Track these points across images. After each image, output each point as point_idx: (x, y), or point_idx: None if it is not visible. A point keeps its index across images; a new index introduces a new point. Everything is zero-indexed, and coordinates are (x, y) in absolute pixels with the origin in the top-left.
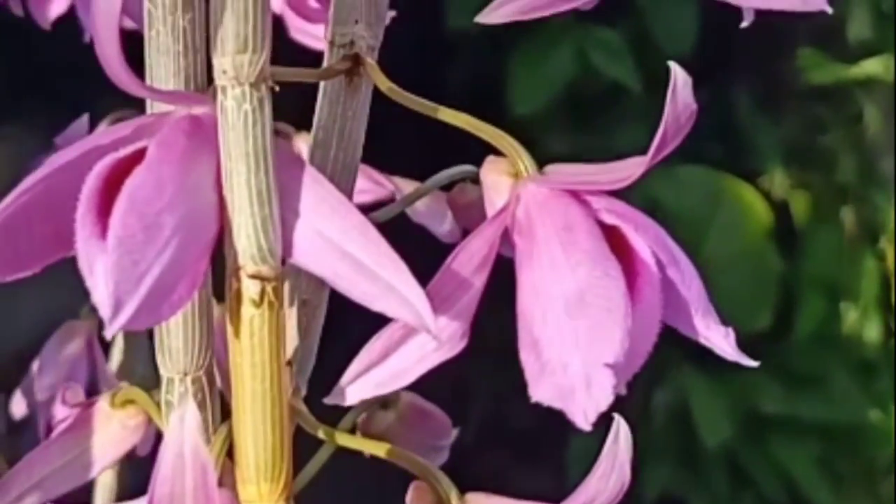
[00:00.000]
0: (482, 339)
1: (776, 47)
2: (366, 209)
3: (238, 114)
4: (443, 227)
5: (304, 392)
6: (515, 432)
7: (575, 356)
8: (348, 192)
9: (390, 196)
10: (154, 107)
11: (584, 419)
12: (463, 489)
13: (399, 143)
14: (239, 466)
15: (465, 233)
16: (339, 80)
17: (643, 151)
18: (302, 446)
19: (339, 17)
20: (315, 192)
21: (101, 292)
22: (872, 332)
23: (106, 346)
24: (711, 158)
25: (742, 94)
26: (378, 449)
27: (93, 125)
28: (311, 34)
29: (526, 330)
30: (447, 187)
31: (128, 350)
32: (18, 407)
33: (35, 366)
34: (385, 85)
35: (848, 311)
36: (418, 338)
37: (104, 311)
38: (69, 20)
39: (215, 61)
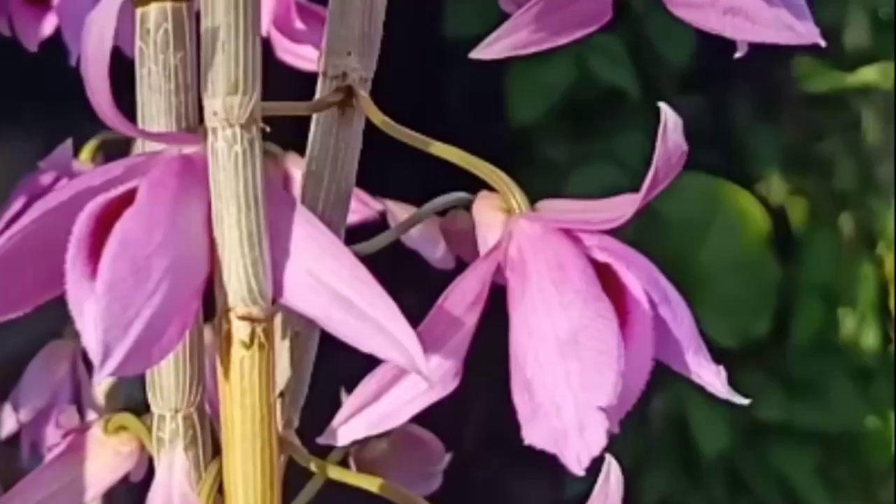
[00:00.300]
0: (481, 346)
1: (774, 54)
2: (353, 229)
3: (228, 155)
4: (435, 253)
5: (296, 424)
6: (513, 440)
7: (568, 399)
8: (341, 224)
9: (377, 216)
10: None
11: (577, 464)
12: (461, 497)
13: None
14: None
15: (458, 259)
16: (332, 111)
17: (642, 157)
18: (294, 472)
19: (332, 49)
20: (306, 231)
21: (90, 337)
22: (870, 338)
23: (90, 366)
24: (709, 165)
25: (740, 101)
26: (370, 483)
27: (84, 139)
28: (297, 54)
29: (518, 370)
30: (440, 213)
31: None
32: (9, 421)
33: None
34: (378, 118)
35: (846, 318)
36: (410, 378)
37: (93, 357)
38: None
39: (206, 102)
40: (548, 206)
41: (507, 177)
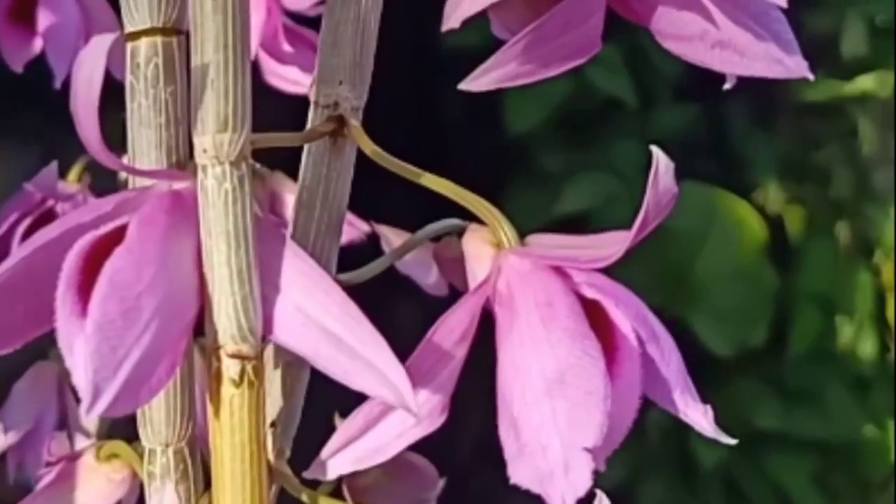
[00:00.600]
0: (476, 356)
1: None
2: (346, 253)
3: (218, 192)
4: (428, 278)
5: (287, 454)
6: None
7: (554, 439)
8: (333, 253)
9: (365, 238)
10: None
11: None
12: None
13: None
14: None
15: (451, 286)
16: (324, 140)
17: (638, 166)
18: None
19: (324, 78)
20: (296, 267)
21: (79, 378)
22: (868, 347)
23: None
24: (706, 174)
25: (736, 110)
26: None
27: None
28: (284, 77)
29: (505, 408)
30: (434, 239)
31: None
32: None
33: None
34: (369, 148)
35: (843, 327)
36: (398, 413)
37: (83, 397)
38: None
39: (196, 140)
40: (537, 240)
41: (497, 210)
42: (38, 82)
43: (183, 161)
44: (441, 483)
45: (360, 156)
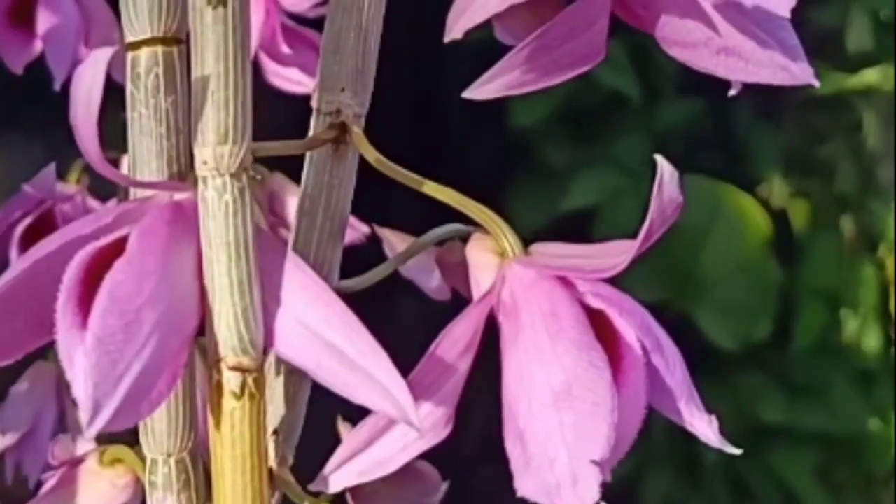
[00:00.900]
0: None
1: None
2: (347, 256)
3: (219, 204)
4: (431, 282)
5: (290, 461)
6: None
7: (561, 452)
8: (335, 261)
9: (363, 239)
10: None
11: None
12: (461, 502)
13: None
14: None
15: (454, 291)
16: (326, 148)
17: (642, 160)
18: None
19: (326, 85)
20: (297, 279)
21: (79, 392)
22: (872, 341)
23: None
24: (710, 168)
25: (741, 104)
26: None
27: (75, 154)
28: (285, 78)
29: (511, 419)
30: (438, 243)
31: None
32: None
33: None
34: (372, 155)
35: (847, 321)
36: (402, 426)
37: (83, 411)
38: None
39: (196, 151)
40: (541, 249)
41: (500, 218)
42: (39, 81)
43: (184, 171)
44: (444, 487)
45: (363, 158)
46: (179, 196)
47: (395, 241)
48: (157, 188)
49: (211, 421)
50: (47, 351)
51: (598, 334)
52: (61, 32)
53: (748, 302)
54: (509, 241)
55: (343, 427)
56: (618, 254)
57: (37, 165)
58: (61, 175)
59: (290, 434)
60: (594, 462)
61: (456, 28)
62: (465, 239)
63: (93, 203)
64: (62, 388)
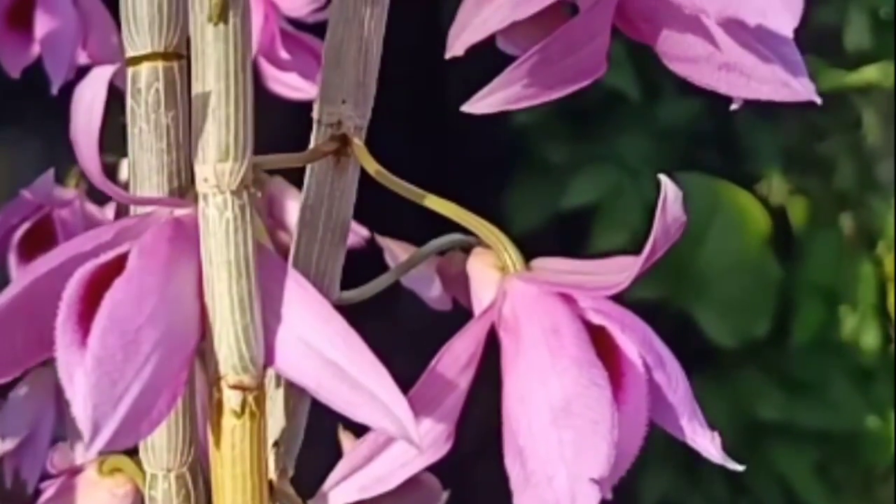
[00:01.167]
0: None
1: None
2: (348, 266)
3: (219, 221)
4: (431, 292)
5: (291, 473)
6: None
7: (560, 470)
8: (336, 273)
9: (363, 243)
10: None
11: None
12: (462, 498)
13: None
14: None
15: (455, 301)
16: (327, 159)
17: (642, 158)
18: None
19: (326, 96)
20: (298, 296)
21: (79, 412)
22: (870, 338)
23: None
24: (709, 165)
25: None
26: None
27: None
28: (284, 83)
29: (511, 437)
30: (439, 253)
31: None
32: None
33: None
34: (373, 167)
35: (846, 318)
36: (402, 443)
37: (83, 432)
38: None
39: (196, 168)
40: (542, 264)
41: (502, 233)
42: (39, 82)
43: (184, 186)
44: (445, 496)
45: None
46: (180, 212)
47: (396, 250)
48: (158, 205)
49: (211, 439)
50: None
51: (599, 350)
52: (59, 36)
53: (747, 299)
54: (510, 255)
55: (344, 436)
56: (620, 270)
57: (35, 164)
58: (59, 179)
59: (290, 446)
60: (593, 480)
61: (457, 45)
62: (465, 249)
63: (91, 208)
64: (61, 392)
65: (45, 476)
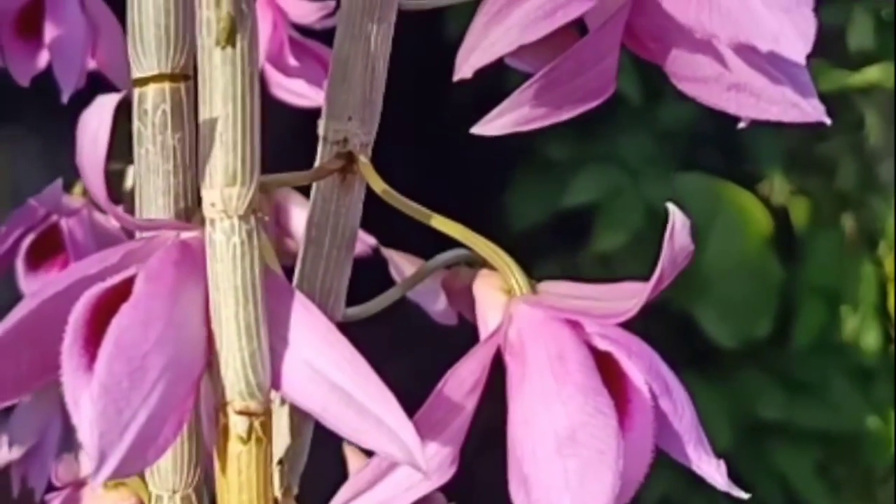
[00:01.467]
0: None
1: None
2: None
3: (227, 247)
4: (437, 306)
5: (295, 490)
6: None
7: (565, 498)
8: (342, 291)
9: (369, 252)
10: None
11: None
12: (464, 495)
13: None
14: None
15: (460, 316)
16: (333, 177)
17: (643, 158)
18: None
19: (332, 113)
20: (304, 320)
21: (85, 439)
22: (871, 338)
23: None
24: (711, 165)
25: None
26: None
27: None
28: (290, 90)
29: (515, 464)
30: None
31: None
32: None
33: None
34: (379, 186)
35: (847, 318)
36: (407, 467)
37: (90, 459)
38: None
39: (204, 193)
40: (549, 289)
41: (508, 255)
42: (42, 83)
43: (191, 207)
44: None
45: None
46: (186, 235)
47: (401, 263)
48: (164, 229)
49: (217, 465)
50: None
51: (605, 376)
52: (69, 43)
53: (748, 299)
54: (517, 278)
55: (350, 451)
56: (628, 297)
57: (39, 166)
58: (66, 187)
59: (295, 463)
60: None
61: (465, 68)
62: (471, 264)
63: (99, 217)
64: None
65: (50, 488)
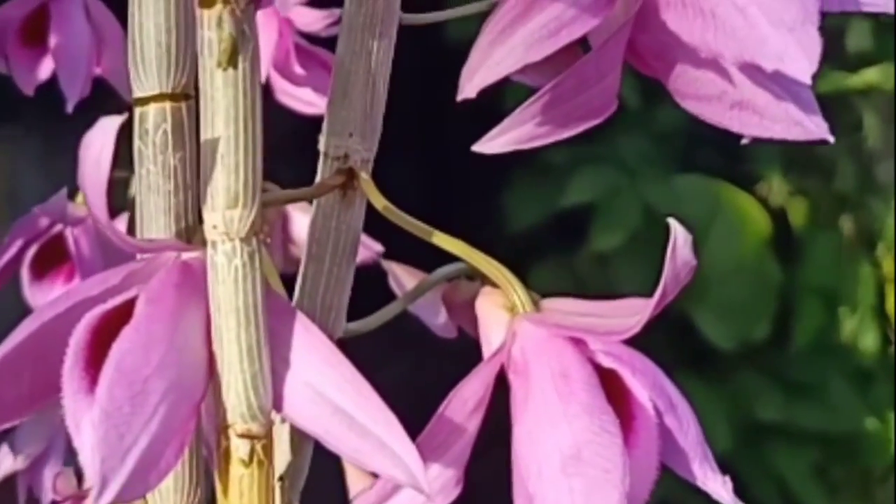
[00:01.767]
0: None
1: None
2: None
3: (228, 269)
4: (437, 319)
5: None
6: None
7: None
8: (342, 307)
9: (375, 258)
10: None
11: None
12: (467, 495)
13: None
14: None
15: (460, 329)
16: (333, 193)
17: (641, 158)
18: None
19: (333, 129)
20: (306, 342)
21: (87, 464)
22: (870, 340)
23: None
24: (709, 166)
25: None
26: None
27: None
28: (295, 97)
29: (521, 482)
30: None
31: None
32: (6, 462)
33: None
34: (380, 202)
35: (845, 320)
36: (410, 489)
37: (92, 485)
38: None
39: (206, 215)
40: (552, 305)
41: (510, 272)
42: (49, 90)
43: (191, 227)
44: None
45: None
46: (187, 255)
47: (400, 275)
48: (165, 250)
49: (219, 487)
50: None
51: (609, 393)
52: (74, 53)
53: (747, 301)
54: (519, 296)
55: (349, 466)
56: (630, 314)
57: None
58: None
59: (295, 480)
60: None
61: (469, 87)
62: (471, 277)
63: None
64: None
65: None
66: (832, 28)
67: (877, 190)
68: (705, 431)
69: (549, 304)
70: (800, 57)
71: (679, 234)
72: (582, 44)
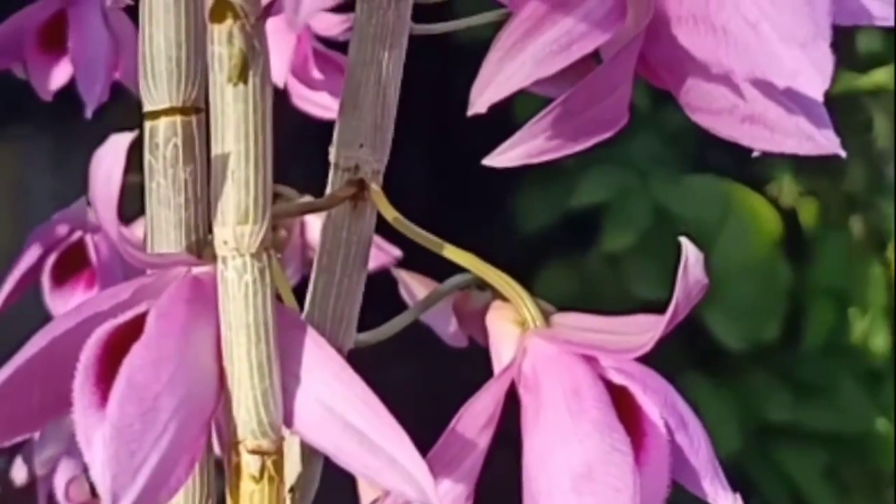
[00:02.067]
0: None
1: None
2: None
3: (239, 285)
4: (448, 328)
5: None
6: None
7: None
8: (353, 319)
9: (394, 263)
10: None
11: None
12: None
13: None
14: None
15: (470, 339)
16: (344, 204)
17: (650, 159)
18: None
19: (344, 140)
20: (317, 357)
21: (98, 480)
22: (880, 341)
23: None
24: (720, 167)
25: None
26: None
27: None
28: (313, 102)
29: (531, 500)
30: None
31: None
32: (19, 473)
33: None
34: (390, 214)
35: (855, 320)
36: None
37: (102, 501)
38: None
39: (216, 231)
40: (563, 321)
41: (520, 287)
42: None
43: (202, 240)
44: None
45: None
46: (198, 270)
47: (411, 283)
48: (176, 265)
49: (230, 502)
50: None
51: (620, 410)
52: (92, 58)
53: (757, 301)
54: (530, 311)
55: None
56: (642, 330)
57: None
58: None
59: (306, 491)
60: None
61: (479, 102)
62: (482, 287)
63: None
64: None
65: None
66: (842, 29)
67: (887, 190)
68: (714, 432)
69: (560, 318)
70: (812, 74)
71: (690, 253)
72: (594, 55)
